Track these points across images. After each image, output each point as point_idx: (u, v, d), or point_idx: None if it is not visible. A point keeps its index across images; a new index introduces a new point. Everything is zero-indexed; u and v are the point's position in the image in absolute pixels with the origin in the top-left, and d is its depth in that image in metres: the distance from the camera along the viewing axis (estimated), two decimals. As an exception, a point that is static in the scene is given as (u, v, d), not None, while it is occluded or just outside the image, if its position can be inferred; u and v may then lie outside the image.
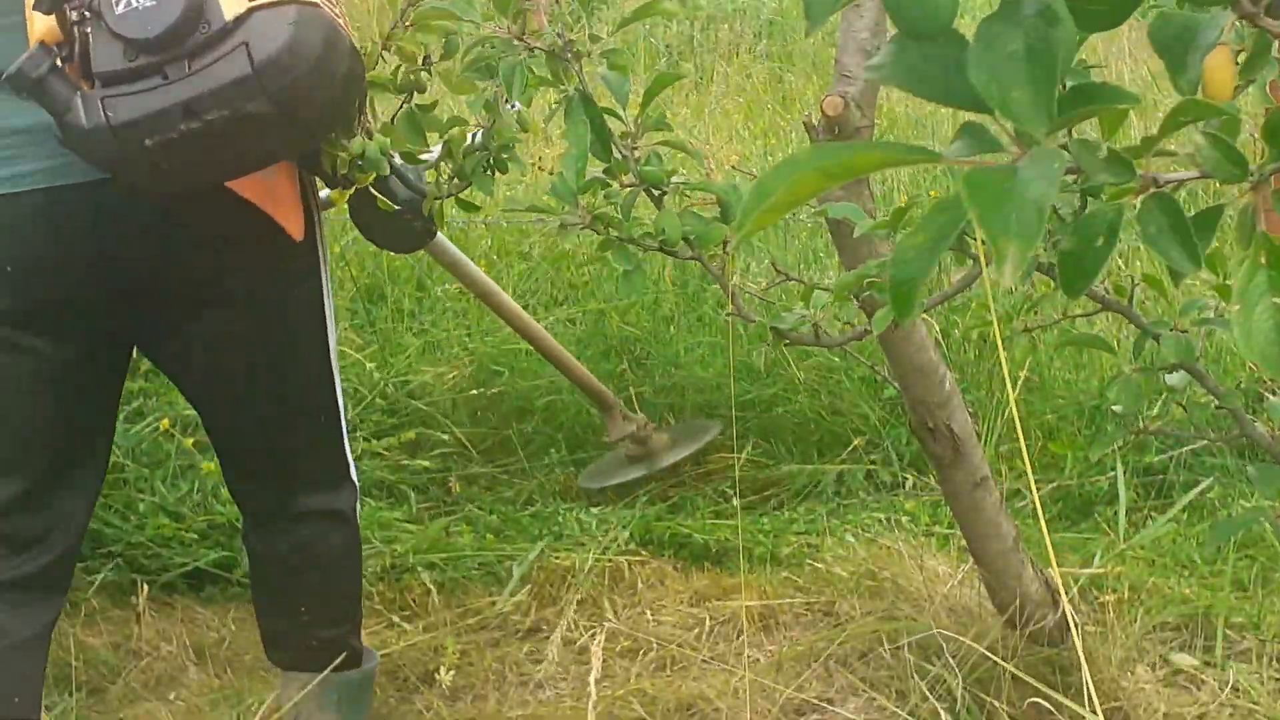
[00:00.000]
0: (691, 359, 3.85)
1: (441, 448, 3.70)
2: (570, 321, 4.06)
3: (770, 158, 5.09)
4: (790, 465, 3.58)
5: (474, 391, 3.83)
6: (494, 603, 3.12)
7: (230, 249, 2.05)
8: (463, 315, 4.13)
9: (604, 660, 2.87)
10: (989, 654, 2.49)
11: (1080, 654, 1.85)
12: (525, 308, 4.10)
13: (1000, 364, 3.57)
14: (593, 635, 2.93)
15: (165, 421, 3.29)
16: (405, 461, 3.59)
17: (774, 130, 5.73)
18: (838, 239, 2.30)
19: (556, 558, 3.23)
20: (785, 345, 1.66)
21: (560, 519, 3.42)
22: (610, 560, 3.19)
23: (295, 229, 2.05)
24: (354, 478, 2.38)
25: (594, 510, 3.47)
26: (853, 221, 1.70)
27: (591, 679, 2.40)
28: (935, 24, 0.67)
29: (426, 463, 3.59)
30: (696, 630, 2.97)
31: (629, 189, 1.61)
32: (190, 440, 3.31)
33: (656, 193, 1.63)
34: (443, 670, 2.79)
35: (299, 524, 2.33)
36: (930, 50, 0.68)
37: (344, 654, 2.42)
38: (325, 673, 2.38)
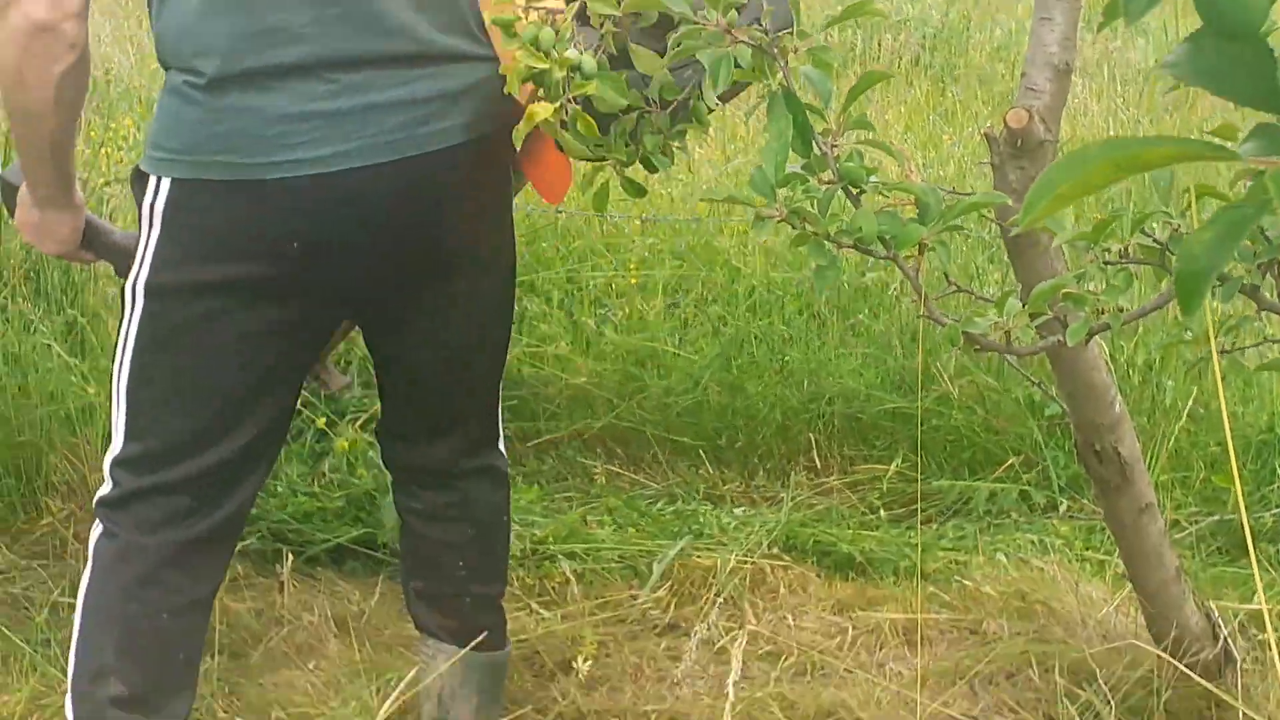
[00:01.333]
0: (842, 368, 3.88)
1: (582, 438, 3.77)
2: (721, 319, 4.11)
3: (929, 170, 5.09)
4: (941, 480, 3.59)
5: (615, 386, 3.90)
6: (634, 597, 3.17)
7: (492, 213, 2.22)
8: (610, 309, 4.20)
9: (743, 663, 2.92)
10: (1143, 684, 2.50)
11: (1239, 691, 1.86)
12: (676, 306, 4.18)
13: (1164, 392, 3.57)
14: (733, 637, 2.97)
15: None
16: (543, 446, 3.67)
17: (934, 142, 5.73)
18: (1014, 252, 2.31)
19: (697, 557, 3.28)
20: (975, 350, 1.69)
21: (701, 518, 3.47)
22: (752, 563, 3.23)
23: (557, 192, 2.15)
24: (502, 445, 2.50)
25: (736, 512, 3.51)
26: (1050, 231, 1.72)
27: (730, 680, 2.45)
28: (1247, 22, 0.69)
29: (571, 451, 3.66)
30: (838, 639, 3.00)
31: (828, 185, 1.65)
32: (322, 420, 3.42)
33: (855, 191, 1.67)
34: (580, 660, 2.84)
35: (465, 479, 2.42)
36: (1231, 49, 0.70)
37: (492, 619, 2.50)
38: (468, 649, 2.44)
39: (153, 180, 2.02)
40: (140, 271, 2.06)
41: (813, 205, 1.65)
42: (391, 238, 2.08)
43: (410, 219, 2.07)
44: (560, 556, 3.26)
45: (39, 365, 3.50)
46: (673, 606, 3.15)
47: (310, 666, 2.92)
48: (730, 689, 2.32)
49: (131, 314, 2.07)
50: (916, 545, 3.33)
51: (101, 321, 3.74)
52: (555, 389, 3.89)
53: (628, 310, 4.14)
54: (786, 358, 3.93)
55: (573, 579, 3.19)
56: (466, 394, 2.37)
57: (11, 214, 2.27)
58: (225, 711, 2.72)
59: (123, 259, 2.23)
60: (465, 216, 2.15)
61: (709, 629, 3.00)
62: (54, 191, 2.16)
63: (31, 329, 3.62)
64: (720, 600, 3.11)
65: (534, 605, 3.12)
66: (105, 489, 2.15)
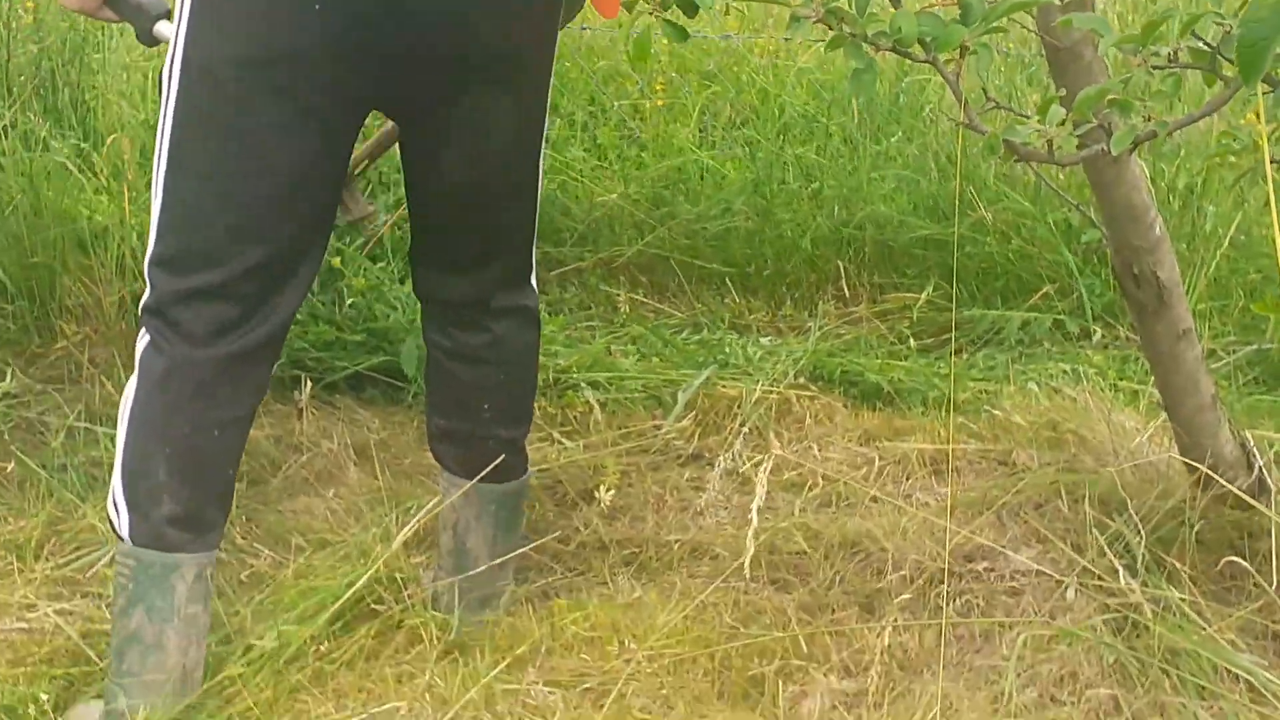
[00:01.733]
0: (875, 193, 3.81)
1: (608, 266, 3.74)
2: (748, 144, 4.04)
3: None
4: (973, 310, 3.55)
5: (642, 211, 3.85)
6: (658, 427, 3.16)
7: (542, 17, 2.13)
8: (634, 134, 4.13)
9: (767, 492, 2.90)
10: (1174, 514, 2.48)
11: (1273, 520, 1.83)
12: (704, 130, 4.11)
13: (1205, 217, 3.50)
14: (757, 465, 2.96)
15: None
16: (566, 274, 3.65)
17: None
18: (1055, 66, 2.24)
19: (722, 386, 3.26)
20: (1014, 163, 1.63)
21: (727, 348, 3.44)
22: (778, 393, 3.21)
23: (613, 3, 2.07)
24: (534, 281, 2.43)
25: (763, 341, 3.48)
26: (1098, 34, 1.66)
27: (754, 507, 2.43)
28: None
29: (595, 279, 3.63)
30: (865, 469, 2.98)
31: (865, -15, 1.59)
32: (337, 260, 3.38)
33: (895, -11, 1.60)
34: (602, 489, 2.81)
35: (495, 318, 2.37)
36: None
37: (514, 459, 2.47)
38: (478, 479, 2.43)
39: None
40: (175, 51, 2.01)
41: (850, 4, 1.59)
42: (430, 17, 2.01)
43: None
44: (584, 385, 3.24)
45: (51, 184, 3.46)
46: (697, 436, 3.14)
47: (329, 494, 2.92)
48: (754, 516, 2.30)
49: (168, 97, 2.03)
50: (947, 375, 3.30)
51: (115, 141, 3.70)
52: (579, 213, 3.85)
53: (655, 134, 4.07)
54: (817, 183, 3.87)
55: (596, 408, 3.18)
56: (503, 219, 2.32)
57: None
58: (244, 538, 2.72)
59: (145, 21, 2.20)
60: (513, 13, 2.07)
61: (733, 459, 2.98)
62: None
63: (42, 146, 3.58)
64: (745, 430, 3.08)
65: (556, 435, 3.11)
66: (146, 294, 2.11)
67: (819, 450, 3.05)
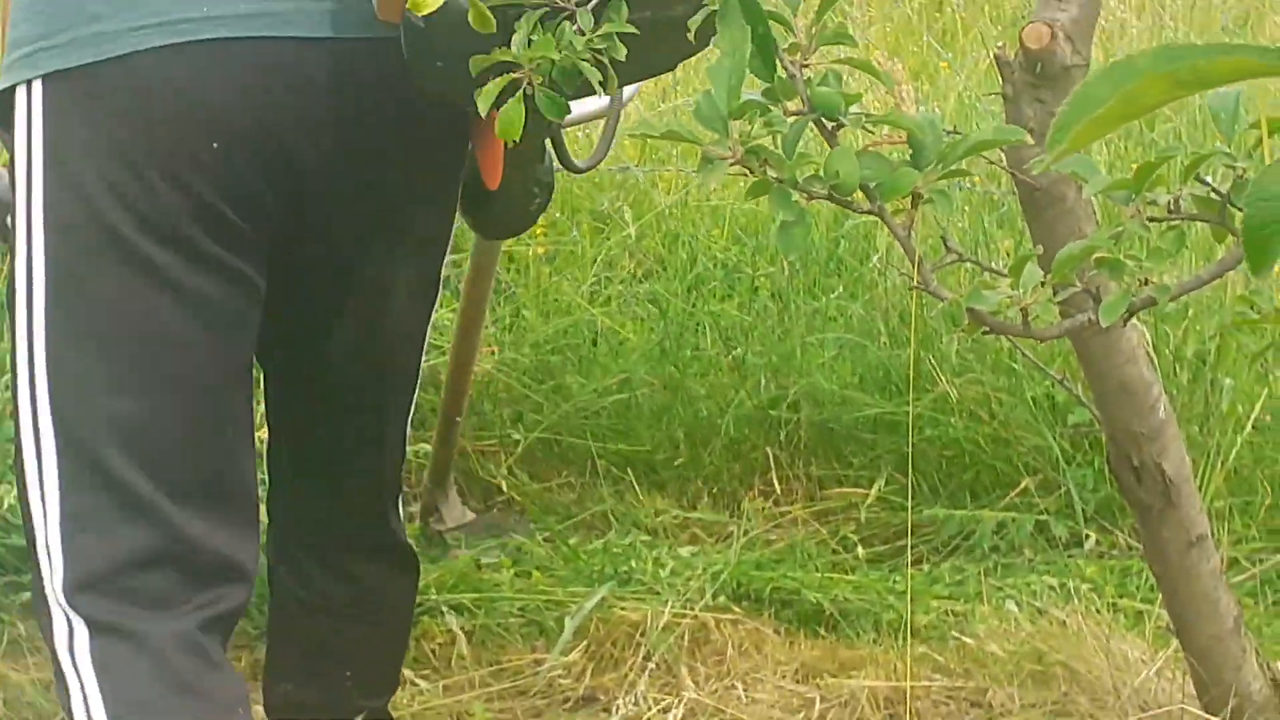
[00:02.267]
0: (811, 361, 3.88)
1: (479, 451, 3.77)
2: (652, 302, 4.11)
3: (923, 106, 5.11)
4: (934, 508, 3.60)
5: (522, 385, 3.89)
6: (539, 662, 3.17)
7: (450, 159, 2.12)
8: (509, 289, 4.19)
9: (681, 745, 2.92)
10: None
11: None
12: (597, 284, 4.18)
13: (1221, 393, 3.59)
14: (666, 711, 2.98)
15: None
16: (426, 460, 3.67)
17: (929, 71, 5.76)
18: (1031, 211, 2.31)
19: (621, 609, 3.27)
20: (981, 334, 1.68)
21: (629, 559, 3.46)
22: (692, 616, 3.23)
23: (493, 177, 2.08)
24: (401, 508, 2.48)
25: (680, 550, 3.51)
26: (1081, 179, 1.72)
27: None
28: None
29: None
30: (803, 713, 3.00)
31: (795, 117, 1.63)
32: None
33: (830, 124, 1.65)
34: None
35: (366, 564, 2.39)
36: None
37: None
38: None
39: (20, 95, 1.90)
40: (31, 244, 1.92)
41: (776, 143, 1.64)
42: (332, 142, 1.98)
43: (358, 127, 1.98)
44: (445, 610, 3.23)
45: None
46: (589, 674, 3.14)
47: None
48: None
49: (30, 294, 1.93)
50: (904, 592, 3.33)
51: None
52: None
53: (535, 289, 4.13)
54: (740, 348, 3.93)
55: (461, 638, 3.17)
56: (385, 416, 2.33)
57: None
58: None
59: None
60: (424, 146, 2.07)
61: (636, 702, 3.00)
62: None
63: None
64: (651, 665, 3.10)
65: (410, 674, 3.09)
66: (60, 572, 1.96)
67: (745, 690, 3.06)
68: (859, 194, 1.63)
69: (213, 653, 1.99)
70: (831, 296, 4.09)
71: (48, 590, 1.94)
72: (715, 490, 3.82)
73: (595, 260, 4.29)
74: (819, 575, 3.42)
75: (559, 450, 3.85)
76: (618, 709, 2.98)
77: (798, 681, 3.10)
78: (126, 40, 1.83)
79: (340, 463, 2.33)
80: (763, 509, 3.73)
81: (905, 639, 3.17)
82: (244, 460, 2.07)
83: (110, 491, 1.93)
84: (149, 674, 1.93)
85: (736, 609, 3.30)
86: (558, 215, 4.34)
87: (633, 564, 3.45)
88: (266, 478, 2.41)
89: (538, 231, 4.27)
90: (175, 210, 1.89)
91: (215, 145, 1.88)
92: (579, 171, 2.33)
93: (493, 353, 3.94)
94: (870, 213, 1.65)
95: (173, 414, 1.96)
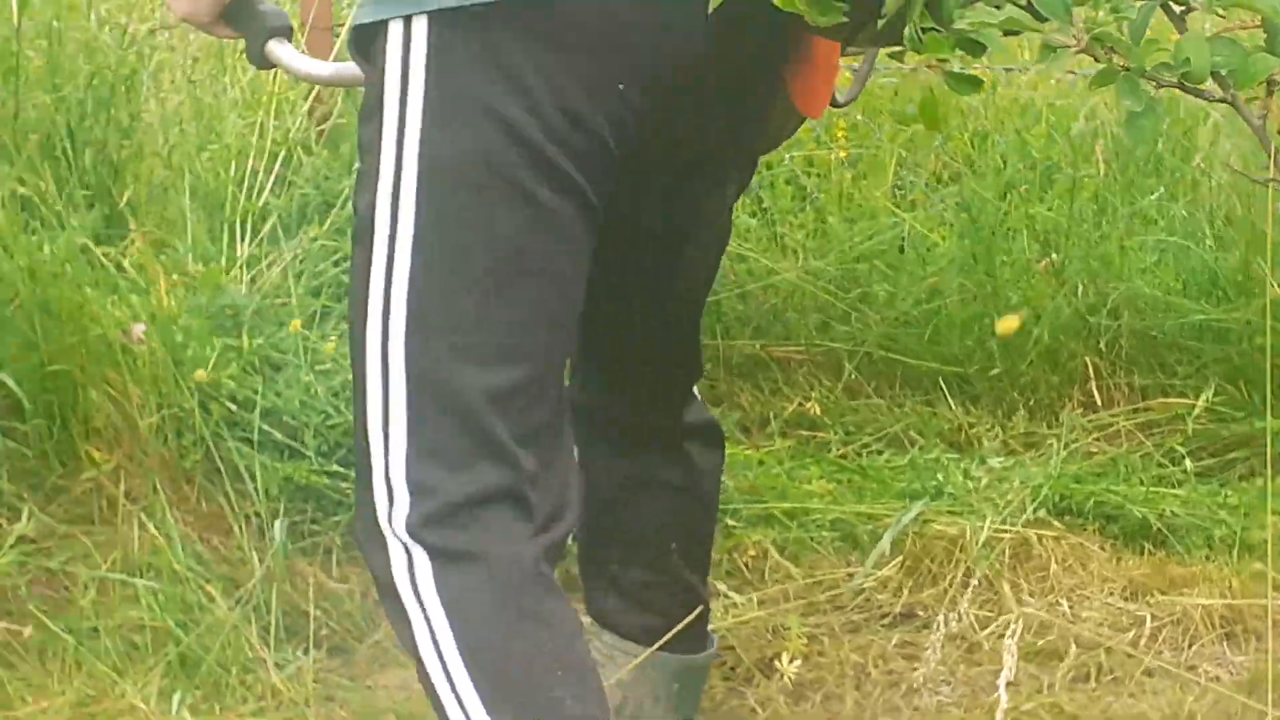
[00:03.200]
0: (1131, 266, 3.81)
1: (783, 363, 3.78)
2: (961, 206, 4.06)
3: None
4: (1270, 418, 3.51)
5: (825, 293, 3.89)
6: (852, 575, 3.19)
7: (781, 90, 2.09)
8: (812, 194, 4.18)
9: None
10: None
11: None
12: (901, 188, 4.15)
13: None
14: (988, 627, 2.97)
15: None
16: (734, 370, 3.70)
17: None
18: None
19: (937, 523, 3.27)
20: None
21: (942, 473, 3.45)
22: (1013, 531, 3.22)
23: (816, 105, 2.09)
24: None
25: (991, 463, 3.48)
26: None
27: (1002, 681, 2.45)
28: None
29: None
30: (1133, 631, 2.99)
31: (1143, 1, 1.60)
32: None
33: (1179, 8, 1.62)
34: (785, 658, 2.86)
35: (689, 438, 2.46)
36: None
37: (702, 620, 2.53)
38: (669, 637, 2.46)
39: (393, 29, 1.90)
40: (401, 176, 1.92)
41: (1122, 30, 1.61)
42: (713, 87, 1.99)
43: (731, 72, 1.99)
44: (756, 522, 3.26)
45: (66, 273, 3.56)
46: (906, 590, 3.16)
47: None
48: (1002, 692, 2.31)
49: (394, 229, 1.93)
50: (1237, 507, 3.27)
51: (149, 212, 3.82)
52: (752, 297, 3.91)
53: (838, 194, 4.11)
54: (1055, 254, 3.87)
55: (773, 552, 3.20)
56: (697, 316, 2.41)
57: None
58: (325, 723, 2.79)
59: (260, 36, 2.22)
60: (767, 80, 2.05)
61: (958, 618, 3.00)
62: None
63: (57, 224, 3.68)
64: (973, 582, 3.10)
65: (722, 587, 3.12)
66: (403, 508, 1.98)
67: (1071, 607, 3.06)
68: (1211, 82, 1.60)
69: (553, 580, 2.02)
70: (1151, 198, 4.00)
71: (383, 522, 1.97)
72: (1031, 402, 3.78)
73: (899, 164, 4.25)
74: (1144, 489, 3.39)
75: (867, 361, 3.83)
76: (938, 625, 2.99)
77: (1126, 599, 3.09)
78: None
79: (661, 368, 2.39)
80: (1083, 420, 3.68)
81: (1240, 555, 3.11)
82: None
83: (465, 430, 1.94)
84: (496, 602, 1.96)
85: (1058, 524, 3.29)
86: (859, 118, 4.30)
87: (940, 478, 3.44)
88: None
89: (838, 134, 4.24)
90: (570, 153, 1.89)
91: (619, 82, 1.90)
92: (840, 105, 2.29)
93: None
94: (1223, 101, 1.62)
95: (534, 358, 1.99)
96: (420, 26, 1.86)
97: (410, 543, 1.95)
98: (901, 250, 4.02)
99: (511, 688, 1.96)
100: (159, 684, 2.86)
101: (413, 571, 1.95)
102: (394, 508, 1.96)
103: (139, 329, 3.09)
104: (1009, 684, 2.81)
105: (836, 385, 3.80)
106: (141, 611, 2.98)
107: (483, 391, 1.94)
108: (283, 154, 4.02)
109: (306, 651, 2.94)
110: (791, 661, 2.85)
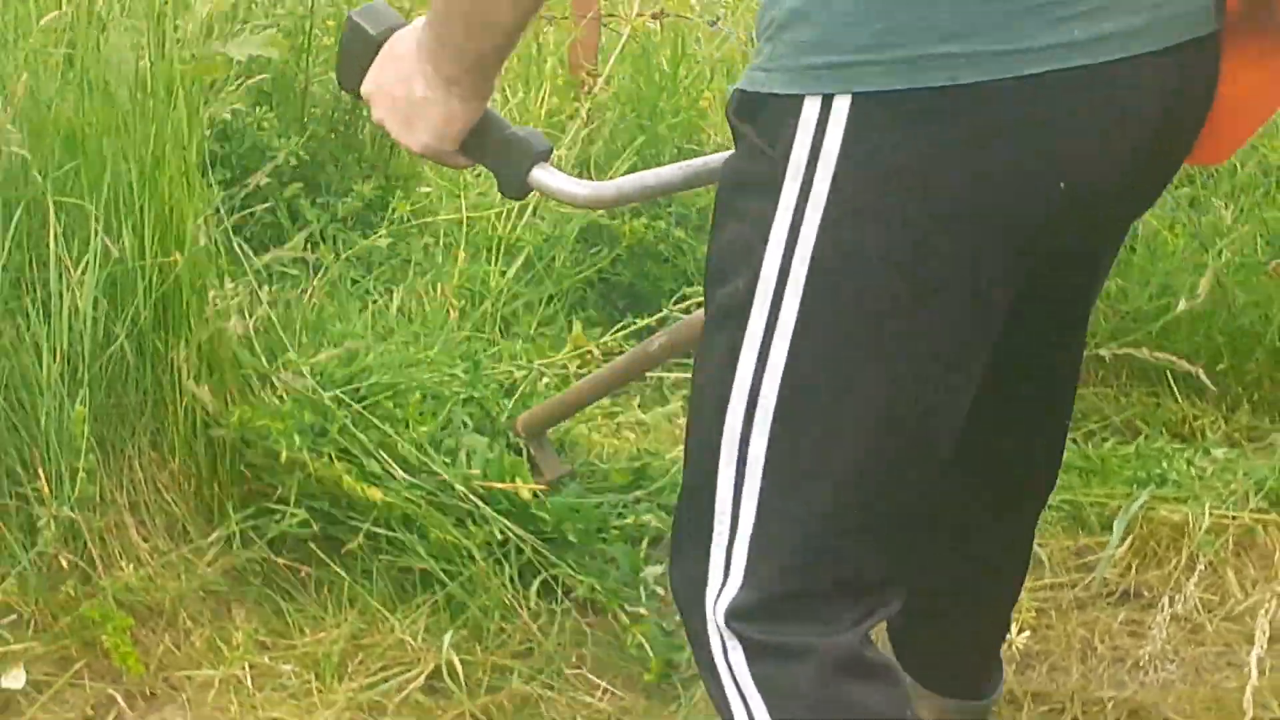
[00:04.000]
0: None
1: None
2: (1191, 206, 4.10)
3: None
4: None
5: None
6: (1080, 555, 3.30)
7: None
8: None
9: (1227, 644, 2.99)
10: None
11: None
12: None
13: None
14: (1211, 610, 3.05)
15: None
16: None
17: None
18: None
19: (1163, 509, 3.36)
20: None
21: (1167, 460, 3.54)
22: (1237, 520, 3.30)
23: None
24: None
25: (1215, 454, 3.58)
26: None
27: (1253, 655, 2.55)
28: None
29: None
30: (1356, 619, 3.03)
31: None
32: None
33: None
34: (1014, 630, 2.94)
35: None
36: None
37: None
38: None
39: (809, 105, 1.68)
40: (792, 257, 1.73)
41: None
42: (1146, 164, 1.82)
43: (1168, 139, 1.81)
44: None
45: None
46: (1133, 570, 3.24)
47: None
48: (1253, 667, 2.34)
49: (774, 315, 1.75)
50: None
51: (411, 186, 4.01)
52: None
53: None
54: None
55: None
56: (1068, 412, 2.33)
57: (351, 73, 2.08)
58: None
59: (520, 166, 2.04)
60: (1188, 136, 1.87)
61: (1184, 600, 3.09)
62: (471, 73, 1.93)
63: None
64: (1198, 566, 3.18)
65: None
66: (733, 589, 1.87)
67: (1289, 597, 3.10)
68: None
69: (873, 661, 1.90)
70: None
71: (709, 599, 1.88)
72: (1255, 397, 3.87)
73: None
74: (1376, 475, 3.41)
75: (1096, 354, 3.90)
76: (1163, 605, 3.08)
77: (1349, 586, 3.12)
78: (986, 66, 1.62)
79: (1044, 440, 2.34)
80: (1304, 416, 3.75)
81: None
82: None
83: (807, 527, 1.83)
84: (818, 700, 1.85)
85: (1276, 512, 3.35)
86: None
87: (1164, 466, 3.51)
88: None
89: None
90: (984, 269, 1.74)
91: (1057, 188, 1.71)
92: None
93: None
94: None
95: (897, 471, 1.83)
96: (840, 106, 1.66)
97: (726, 631, 1.86)
98: (1133, 249, 4.10)
99: None
100: (425, 622, 3.02)
101: (728, 658, 1.88)
102: (725, 588, 1.86)
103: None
104: (1229, 665, 2.92)
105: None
106: (411, 558, 3.09)
107: (833, 488, 1.81)
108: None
109: (559, 602, 3.07)
110: (1020, 633, 2.94)
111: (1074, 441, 3.65)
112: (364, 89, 2.04)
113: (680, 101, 4.63)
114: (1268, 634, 2.52)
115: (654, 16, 4.93)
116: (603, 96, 4.63)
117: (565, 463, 3.34)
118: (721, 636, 1.86)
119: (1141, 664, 2.99)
